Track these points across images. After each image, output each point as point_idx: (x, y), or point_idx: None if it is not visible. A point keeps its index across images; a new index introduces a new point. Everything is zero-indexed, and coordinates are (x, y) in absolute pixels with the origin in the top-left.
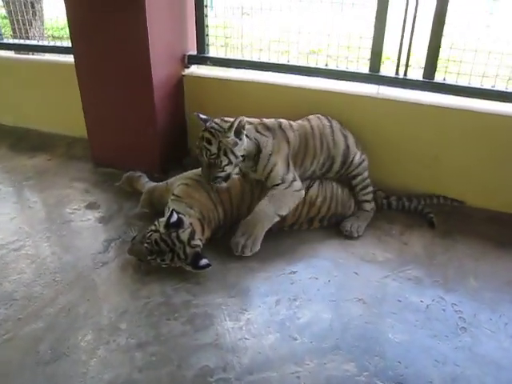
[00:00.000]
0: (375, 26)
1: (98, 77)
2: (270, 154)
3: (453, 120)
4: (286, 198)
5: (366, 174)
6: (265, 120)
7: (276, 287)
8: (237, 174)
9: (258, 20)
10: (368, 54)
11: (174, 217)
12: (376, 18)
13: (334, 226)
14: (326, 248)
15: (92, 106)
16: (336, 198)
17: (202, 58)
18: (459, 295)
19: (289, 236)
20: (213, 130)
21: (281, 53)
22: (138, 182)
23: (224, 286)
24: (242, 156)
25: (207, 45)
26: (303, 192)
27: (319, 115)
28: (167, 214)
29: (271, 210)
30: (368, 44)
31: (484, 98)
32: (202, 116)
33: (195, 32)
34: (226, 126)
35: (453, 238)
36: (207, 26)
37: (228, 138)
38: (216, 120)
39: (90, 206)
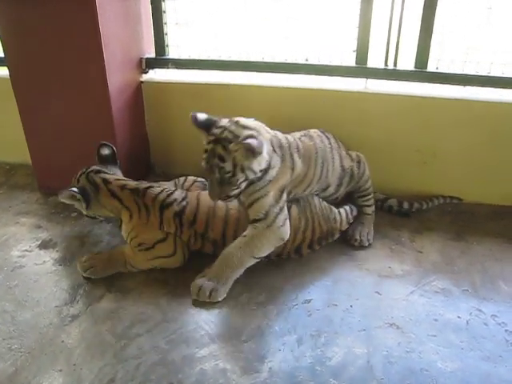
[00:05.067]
0: (361, 13)
1: (41, 90)
2: (270, 181)
3: (448, 111)
4: (267, 238)
5: (369, 183)
6: (278, 133)
7: (293, 322)
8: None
9: (225, 12)
10: (354, 45)
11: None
12: (361, 3)
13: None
14: (336, 267)
15: (35, 124)
16: (317, 215)
17: (161, 61)
18: (495, 304)
19: (289, 259)
20: (225, 143)
21: (254, 49)
22: None
23: (231, 329)
24: (262, 170)
25: (167, 45)
26: (287, 226)
27: (319, 132)
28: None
29: (247, 253)
30: (353, 34)
31: (480, 86)
32: (200, 118)
33: (152, 31)
34: (244, 134)
35: (465, 240)
36: (166, 24)
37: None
38: (228, 125)
39: (45, 245)
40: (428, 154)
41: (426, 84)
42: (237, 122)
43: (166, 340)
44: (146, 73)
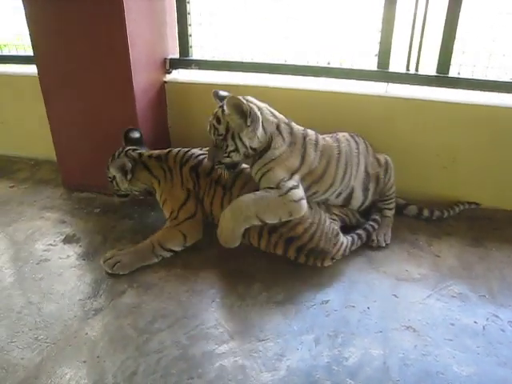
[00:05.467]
0: (384, 18)
1: (68, 88)
2: (272, 159)
3: (468, 116)
4: (276, 206)
5: (392, 188)
6: (293, 123)
7: (310, 322)
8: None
9: (248, 14)
10: (376, 49)
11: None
12: (384, 7)
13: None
14: (353, 269)
15: (61, 121)
16: (320, 228)
17: (185, 62)
18: None
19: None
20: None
21: (277, 52)
22: None
23: (249, 327)
24: (254, 149)
25: (191, 46)
26: (304, 204)
27: (347, 136)
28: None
29: (252, 209)
30: (375, 38)
31: (502, 92)
32: (220, 93)
33: (176, 32)
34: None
35: (484, 245)
36: (190, 25)
37: (239, 121)
38: (238, 99)
39: (69, 240)
40: (448, 159)
41: (447, 89)
42: (247, 99)
43: (187, 336)
44: (169, 73)
